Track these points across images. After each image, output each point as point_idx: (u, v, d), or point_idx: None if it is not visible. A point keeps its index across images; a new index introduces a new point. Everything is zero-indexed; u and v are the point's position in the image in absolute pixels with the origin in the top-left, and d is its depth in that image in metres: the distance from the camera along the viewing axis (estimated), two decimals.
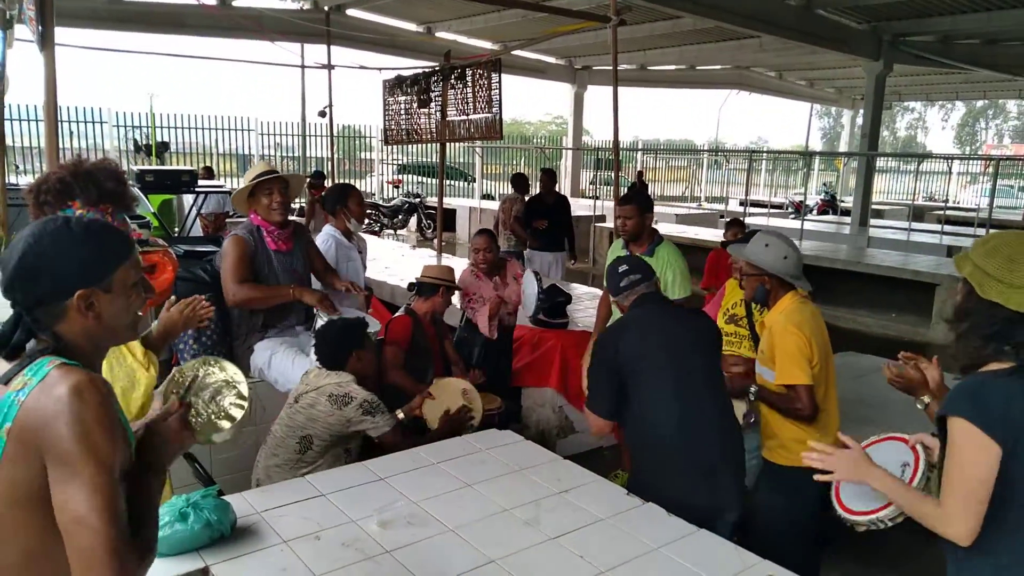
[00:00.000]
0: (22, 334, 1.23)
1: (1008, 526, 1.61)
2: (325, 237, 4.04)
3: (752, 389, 2.70)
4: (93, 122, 15.49)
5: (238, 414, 1.65)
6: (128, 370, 2.24)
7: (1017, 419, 1.56)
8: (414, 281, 3.98)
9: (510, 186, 8.86)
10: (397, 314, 3.92)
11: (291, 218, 3.67)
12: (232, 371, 1.72)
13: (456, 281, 4.05)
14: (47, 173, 2.14)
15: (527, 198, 8.20)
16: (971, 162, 25.77)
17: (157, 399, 1.66)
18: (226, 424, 1.63)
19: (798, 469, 2.61)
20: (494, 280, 4.37)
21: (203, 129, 17.02)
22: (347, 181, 13.62)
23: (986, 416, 1.55)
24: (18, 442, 1.14)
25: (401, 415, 3.09)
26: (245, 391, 1.69)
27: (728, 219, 9.30)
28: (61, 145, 4.24)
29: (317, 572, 1.90)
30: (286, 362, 3.40)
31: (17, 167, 13.04)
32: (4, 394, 1.17)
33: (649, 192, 15.97)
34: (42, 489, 1.15)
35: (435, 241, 9.28)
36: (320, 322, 3.33)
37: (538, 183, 8.42)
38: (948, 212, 14.68)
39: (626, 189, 13.89)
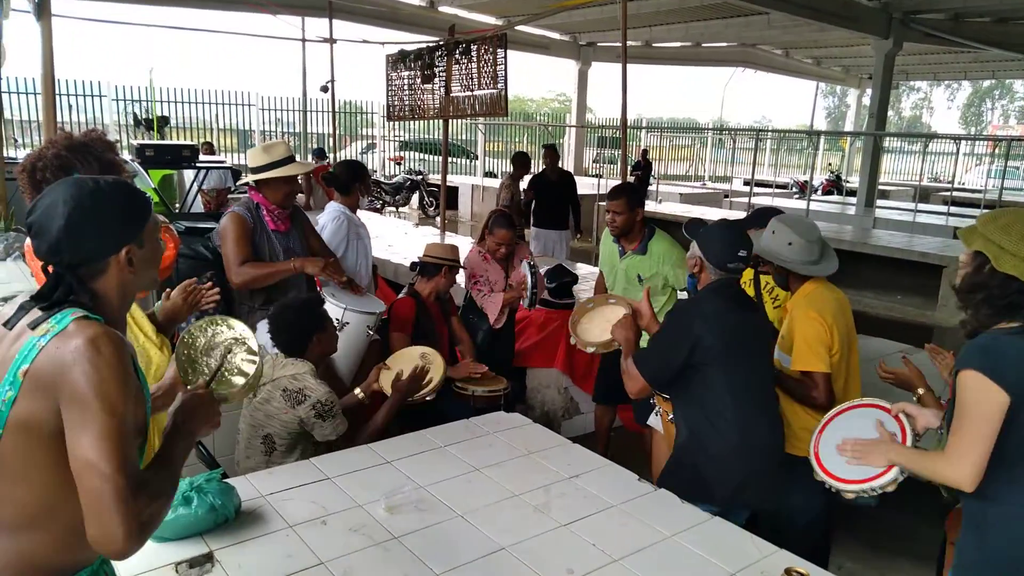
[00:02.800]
0: (62, 292, 1.27)
1: (1020, 478, 1.71)
2: (335, 214, 3.95)
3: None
4: (92, 96, 15.35)
5: (250, 369, 1.67)
6: (140, 348, 2.20)
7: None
8: (416, 261, 3.89)
9: (510, 165, 8.74)
10: (400, 296, 3.85)
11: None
12: (240, 328, 1.76)
13: (462, 260, 3.94)
14: (39, 149, 2.09)
15: (529, 177, 8.10)
16: (976, 143, 25.55)
17: (171, 366, 1.70)
18: (239, 380, 1.66)
19: (806, 460, 2.60)
20: (504, 265, 4.27)
21: (203, 104, 16.88)
22: (348, 158, 13.49)
23: (997, 367, 1.65)
24: (34, 383, 1.20)
25: (360, 394, 3.00)
26: (255, 346, 1.72)
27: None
28: (60, 119, 4.16)
29: (324, 558, 1.86)
30: None
31: (16, 141, 12.92)
32: (29, 338, 1.24)
33: (653, 171, 15.92)
34: (55, 430, 1.20)
35: (437, 219, 9.20)
36: (325, 301, 3.27)
37: (541, 160, 8.31)
38: (954, 193, 14.55)
39: (631, 168, 13.81)
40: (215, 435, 3.28)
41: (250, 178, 3.38)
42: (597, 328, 2.95)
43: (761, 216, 3.34)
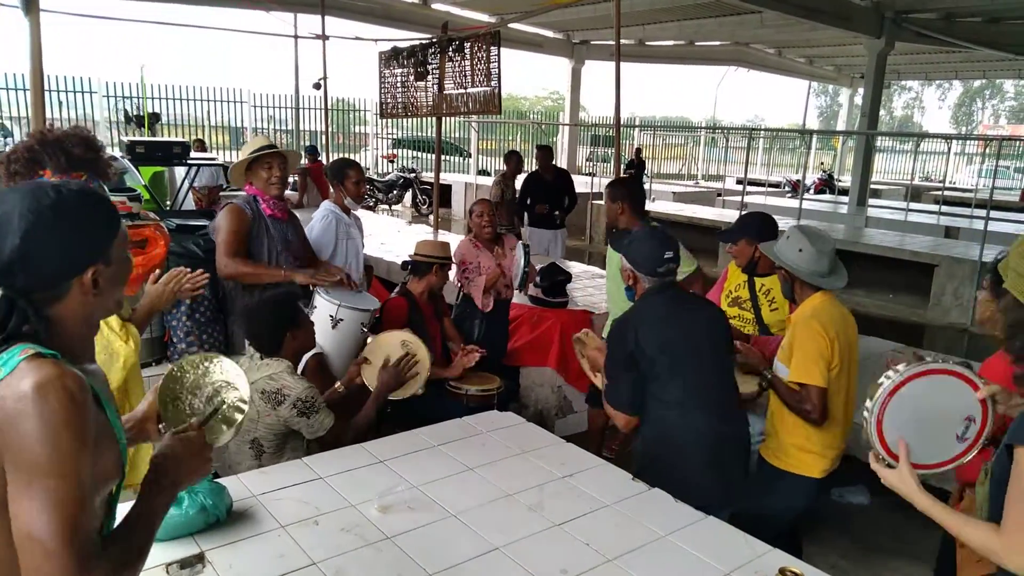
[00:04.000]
0: (15, 323, 1.09)
1: None
2: (324, 212, 3.94)
3: (766, 373, 2.64)
4: (82, 92, 15.26)
5: (238, 417, 1.52)
6: (104, 342, 2.16)
7: None
8: (408, 260, 3.88)
9: (503, 163, 8.72)
10: (392, 295, 3.82)
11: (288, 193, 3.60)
12: (233, 372, 1.58)
13: (452, 255, 3.93)
14: (16, 143, 2.08)
15: (523, 177, 8.08)
16: (967, 143, 25.69)
17: (151, 394, 1.53)
18: (225, 428, 1.50)
19: (790, 474, 2.60)
20: (494, 251, 4.28)
21: (195, 100, 16.79)
22: (342, 156, 13.45)
23: None
24: None
25: (341, 387, 2.95)
26: (246, 394, 1.55)
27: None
28: (49, 115, 4.12)
29: (316, 558, 1.85)
30: None
31: (5, 135, 12.81)
32: None
33: (647, 170, 15.93)
34: (3, 493, 1.03)
35: (431, 217, 9.18)
36: (319, 298, 3.25)
37: (534, 160, 8.30)
38: (945, 192, 14.62)
39: (624, 166, 13.80)
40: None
41: (232, 174, 3.41)
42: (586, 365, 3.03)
43: (745, 223, 3.33)
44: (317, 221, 3.91)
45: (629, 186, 3.78)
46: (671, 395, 2.42)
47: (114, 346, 2.17)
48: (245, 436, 2.62)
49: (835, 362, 2.48)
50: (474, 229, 4.29)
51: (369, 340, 3.16)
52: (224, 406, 1.51)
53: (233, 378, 1.56)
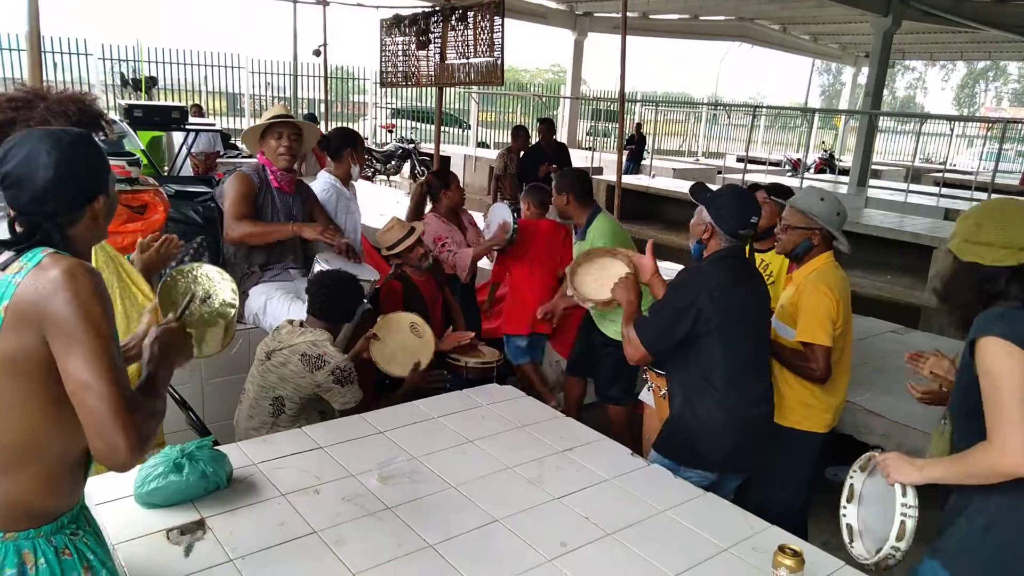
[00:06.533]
0: (40, 239, 1.28)
1: None
2: (325, 186, 3.87)
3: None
4: (78, 54, 15.00)
5: (231, 312, 1.70)
6: (140, 310, 2.17)
7: None
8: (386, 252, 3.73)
9: (510, 137, 8.66)
10: (386, 278, 3.70)
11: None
12: (217, 278, 1.77)
13: (423, 232, 3.78)
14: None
15: (523, 151, 8.02)
16: (968, 125, 25.55)
17: (144, 317, 1.70)
18: (220, 320, 1.68)
19: (798, 431, 2.63)
20: (461, 223, 4.29)
21: (192, 65, 16.54)
22: (340, 125, 13.31)
23: (1019, 332, 1.57)
24: (16, 316, 1.21)
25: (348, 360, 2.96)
26: (229, 296, 1.73)
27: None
28: (44, 77, 4.06)
29: (316, 527, 1.86)
30: (282, 308, 3.31)
31: None
32: (2, 277, 1.24)
33: (647, 145, 15.82)
34: (42, 361, 1.22)
35: None
36: (319, 268, 3.23)
37: (536, 133, 8.24)
38: (946, 175, 14.56)
39: (625, 141, 13.69)
40: (206, 402, 3.26)
41: (246, 139, 3.36)
42: (594, 282, 2.88)
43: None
44: (318, 193, 3.85)
45: (570, 176, 3.77)
46: (720, 356, 2.39)
47: (138, 299, 2.20)
48: (269, 392, 2.68)
49: (839, 323, 2.54)
50: (454, 202, 4.23)
51: (380, 318, 3.19)
52: (202, 303, 1.71)
53: (217, 282, 1.77)
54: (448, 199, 4.22)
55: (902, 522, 1.71)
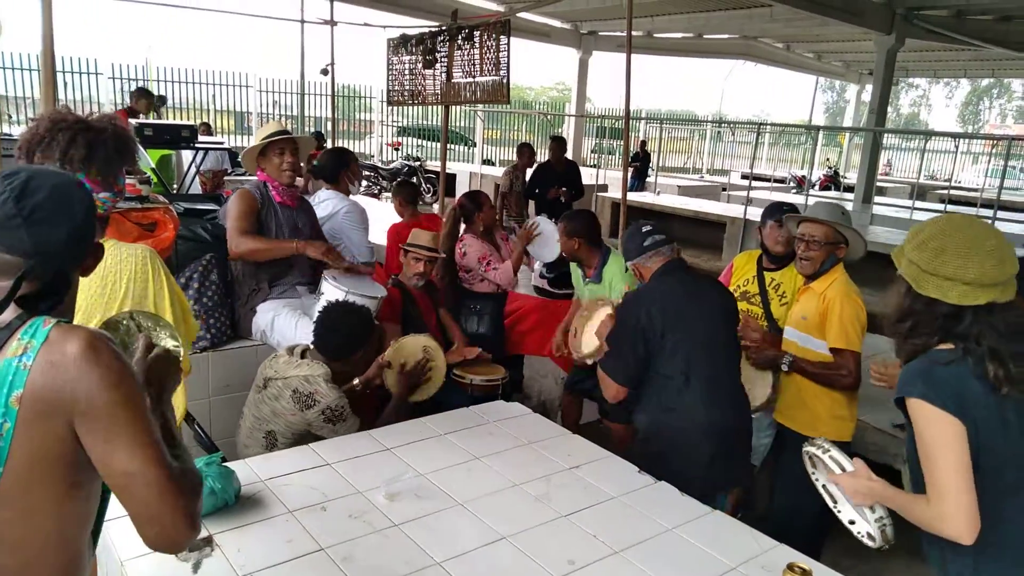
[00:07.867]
0: (52, 294, 1.16)
1: (986, 516, 1.51)
2: (343, 203, 3.94)
3: (786, 359, 2.68)
4: (89, 73, 15.20)
5: (180, 352, 1.54)
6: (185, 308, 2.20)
7: (969, 401, 1.52)
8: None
9: (516, 155, 8.73)
10: (385, 284, 3.72)
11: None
12: (153, 324, 1.60)
13: (457, 254, 3.85)
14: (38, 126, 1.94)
15: (533, 167, 8.06)
16: (972, 142, 25.56)
17: None
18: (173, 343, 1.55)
19: None
20: (495, 241, 4.32)
21: (200, 84, 16.73)
22: (343, 144, 13.42)
23: (939, 395, 1.51)
24: (37, 408, 1.06)
25: (358, 385, 2.91)
26: (171, 342, 1.56)
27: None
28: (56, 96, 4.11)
29: (324, 544, 1.86)
30: (289, 325, 3.33)
31: (10, 117, 12.79)
32: (1, 361, 1.07)
33: (652, 163, 15.87)
34: (64, 455, 1.09)
35: (435, 206, 9.16)
36: (326, 284, 3.24)
37: (547, 151, 8.29)
38: (951, 192, 14.54)
39: (630, 159, 13.74)
40: (213, 417, 3.27)
41: (244, 159, 3.40)
42: (587, 334, 3.00)
43: (771, 209, 3.34)
44: (337, 216, 3.92)
45: (580, 219, 3.70)
46: (674, 372, 2.43)
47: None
48: (262, 425, 2.64)
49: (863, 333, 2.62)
50: (487, 220, 4.27)
51: (393, 343, 3.15)
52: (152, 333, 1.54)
53: (153, 330, 1.58)
54: (482, 220, 4.26)
55: (882, 530, 1.76)
